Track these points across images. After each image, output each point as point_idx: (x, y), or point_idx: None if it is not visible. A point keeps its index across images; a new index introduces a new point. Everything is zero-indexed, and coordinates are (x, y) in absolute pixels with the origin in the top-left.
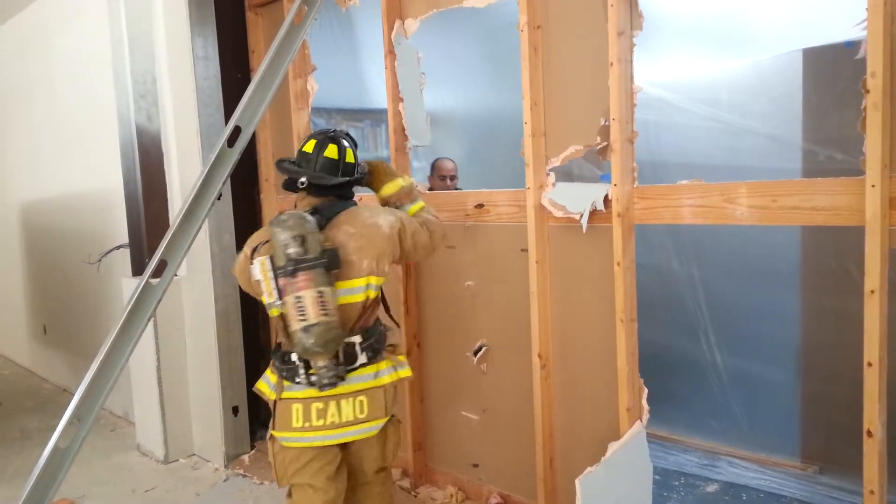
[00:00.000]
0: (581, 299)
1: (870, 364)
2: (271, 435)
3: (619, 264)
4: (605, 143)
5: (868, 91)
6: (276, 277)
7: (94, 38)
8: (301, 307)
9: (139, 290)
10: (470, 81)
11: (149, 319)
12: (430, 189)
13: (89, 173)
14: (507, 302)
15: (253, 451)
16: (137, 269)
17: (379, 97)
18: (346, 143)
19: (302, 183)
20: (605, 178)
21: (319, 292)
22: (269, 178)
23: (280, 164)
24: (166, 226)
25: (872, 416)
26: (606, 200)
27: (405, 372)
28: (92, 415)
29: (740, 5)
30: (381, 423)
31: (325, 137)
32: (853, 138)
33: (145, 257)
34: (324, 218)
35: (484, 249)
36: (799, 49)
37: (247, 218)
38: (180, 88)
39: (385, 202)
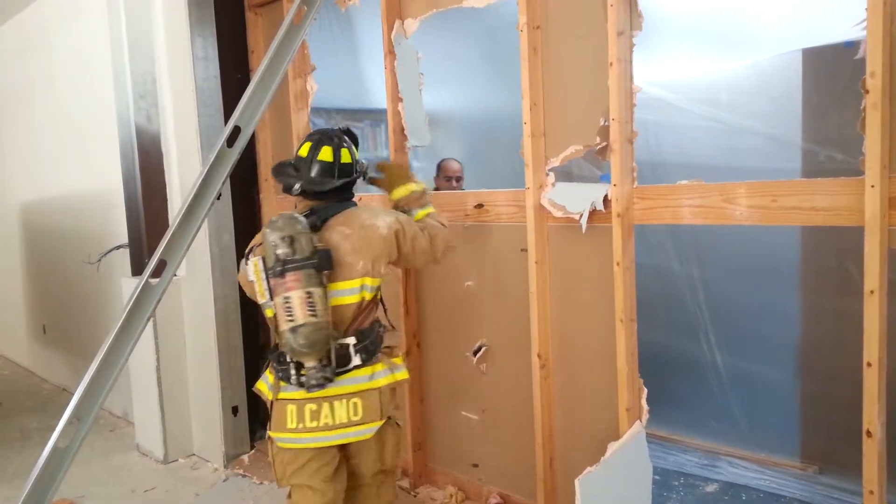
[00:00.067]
0: (581, 299)
1: (869, 364)
2: (269, 435)
3: (618, 264)
4: (604, 144)
5: (867, 91)
6: (267, 278)
7: (94, 39)
8: (289, 308)
9: (139, 290)
10: (470, 81)
11: (148, 319)
12: (436, 189)
13: (89, 173)
14: (507, 302)
15: (252, 451)
16: (137, 269)
17: (379, 97)
18: (341, 143)
19: (296, 190)
20: (605, 178)
21: (308, 293)
22: (269, 178)
23: (276, 170)
24: (166, 226)
25: (872, 416)
26: (606, 200)
27: (402, 374)
28: (91, 415)
29: (740, 5)
30: (376, 425)
31: (319, 139)
32: (853, 138)
33: (145, 257)
34: (320, 219)
35: (483, 250)
36: (798, 49)
37: (246, 218)
38: (180, 89)
39: (395, 205)
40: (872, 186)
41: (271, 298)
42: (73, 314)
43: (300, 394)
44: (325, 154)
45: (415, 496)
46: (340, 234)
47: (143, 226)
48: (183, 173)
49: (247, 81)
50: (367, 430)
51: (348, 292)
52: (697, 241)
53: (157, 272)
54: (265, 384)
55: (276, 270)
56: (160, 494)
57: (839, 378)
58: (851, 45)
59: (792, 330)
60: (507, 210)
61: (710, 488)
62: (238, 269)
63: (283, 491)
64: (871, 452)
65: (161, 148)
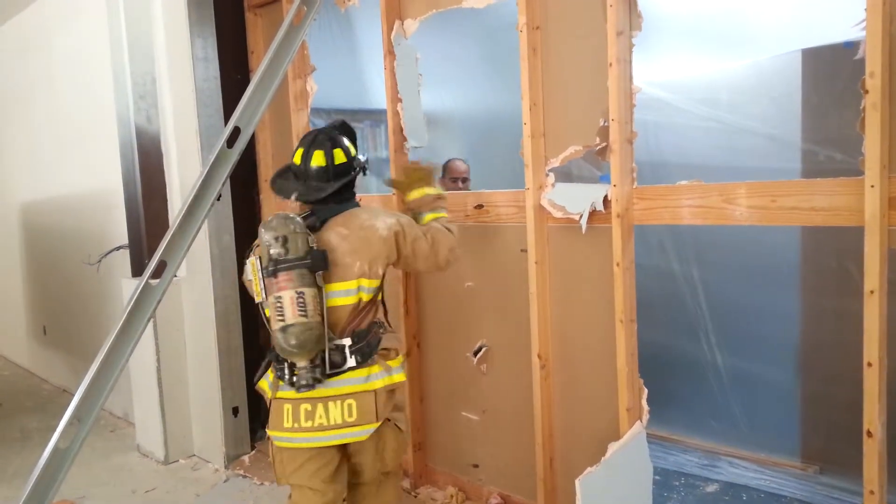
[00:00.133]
0: (581, 300)
1: (869, 364)
2: (268, 433)
3: (618, 265)
4: (604, 144)
5: (867, 91)
6: (263, 278)
7: (94, 39)
8: (280, 307)
9: (139, 290)
10: (469, 82)
11: (148, 320)
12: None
13: (89, 174)
14: (507, 302)
15: (253, 451)
16: (137, 270)
17: (379, 98)
18: (334, 143)
19: (293, 200)
20: (605, 178)
21: (299, 293)
22: (269, 178)
23: (273, 184)
24: (166, 226)
25: (872, 416)
26: (606, 201)
27: (399, 377)
28: (92, 415)
29: (739, 5)
30: (370, 427)
31: (310, 143)
32: (852, 138)
33: (145, 258)
34: (319, 220)
35: (483, 250)
36: (798, 49)
37: (246, 219)
38: (180, 89)
39: (408, 208)
40: (872, 186)
41: (266, 298)
42: (73, 315)
43: (295, 393)
44: (318, 159)
45: (415, 496)
46: (339, 234)
47: (144, 226)
48: (183, 174)
49: (246, 82)
50: (362, 432)
51: (344, 293)
52: (697, 241)
53: (157, 273)
54: (266, 382)
55: (269, 270)
56: (161, 495)
57: (839, 378)
58: (851, 46)
59: (792, 330)
60: (506, 210)
61: (711, 488)
62: (240, 270)
63: (283, 491)
64: (872, 452)
65: (161, 148)
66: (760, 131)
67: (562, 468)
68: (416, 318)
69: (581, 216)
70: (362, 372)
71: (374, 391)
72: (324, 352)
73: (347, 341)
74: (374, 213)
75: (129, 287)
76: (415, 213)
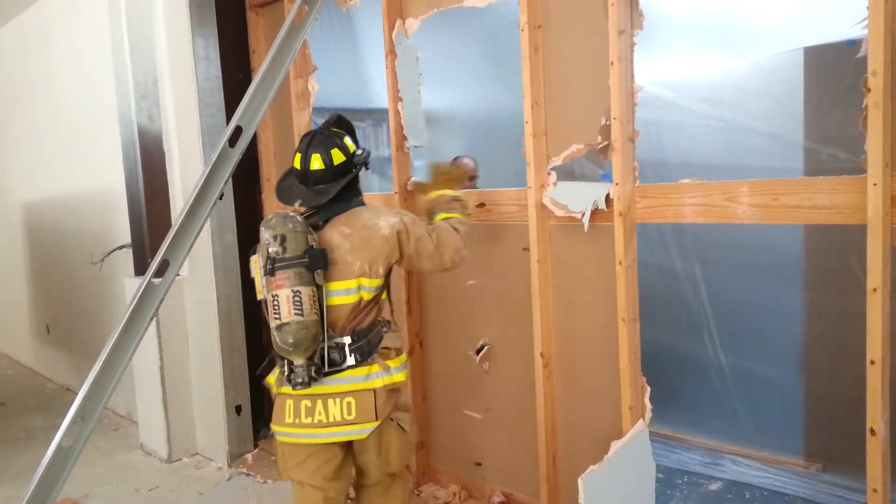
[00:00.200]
0: (583, 298)
1: (873, 362)
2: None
3: (620, 263)
4: (606, 143)
5: (869, 90)
6: (264, 276)
7: (95, 39)
8: (276, 306)
9: (141, 289)
10: (471, 81)
11: (151, 319)
12: None
13: (91, 173)
14: (509, 301)
15: (256, 449)
16: (140, 269)
17: (380, 97)
18: (331, 143)
19: (297, 205)
20: (607, 177)
21: (295, 292)
22: (271, 177)
23: (277, 190)
24: (168, 226)
25: (875, 414)
26: (608, 199)
27: (399, 376)
28: (95, 414)
29: (741, 4)
30: (370, 426)
31: (307, 146)
32: (854, 137)
33: (147, 257)
34: (322, 219)
35: (486, 248)
36: (800, 48)
37: (248, 217)
38: (181, 89)
39: (424, 207)
40: (875, 184)
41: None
42: (76, 314)
43: (296, 389)
44: (316, 162)
45: (418, 495)
46: (341, 233)
47: (146, 226)
48: (185, 173)
49: (248, 81)
50: (361, 430)
51: (344, 292)
52: (699, 239)
53: (159, 272)
54: (273, 377)
55: (267, 269)
56: (164, 493)
57: (842, 376)
58: (853, 44)
59: (795, 328)
60: (509, 209)
61: (714, 486)
62: (243, 268)
63: (286, 489)
64: (875, 450)
65: (163, 148)
66: (762, 130)
67: (564, 466)
68: (418, 317)
69: (583, 215)
70: (362, 370)
71: (374, 390)
72: (322, 350)
73: (347, 340)
74: (377, 212)
75: (131, 286)
76: (429, 212)
